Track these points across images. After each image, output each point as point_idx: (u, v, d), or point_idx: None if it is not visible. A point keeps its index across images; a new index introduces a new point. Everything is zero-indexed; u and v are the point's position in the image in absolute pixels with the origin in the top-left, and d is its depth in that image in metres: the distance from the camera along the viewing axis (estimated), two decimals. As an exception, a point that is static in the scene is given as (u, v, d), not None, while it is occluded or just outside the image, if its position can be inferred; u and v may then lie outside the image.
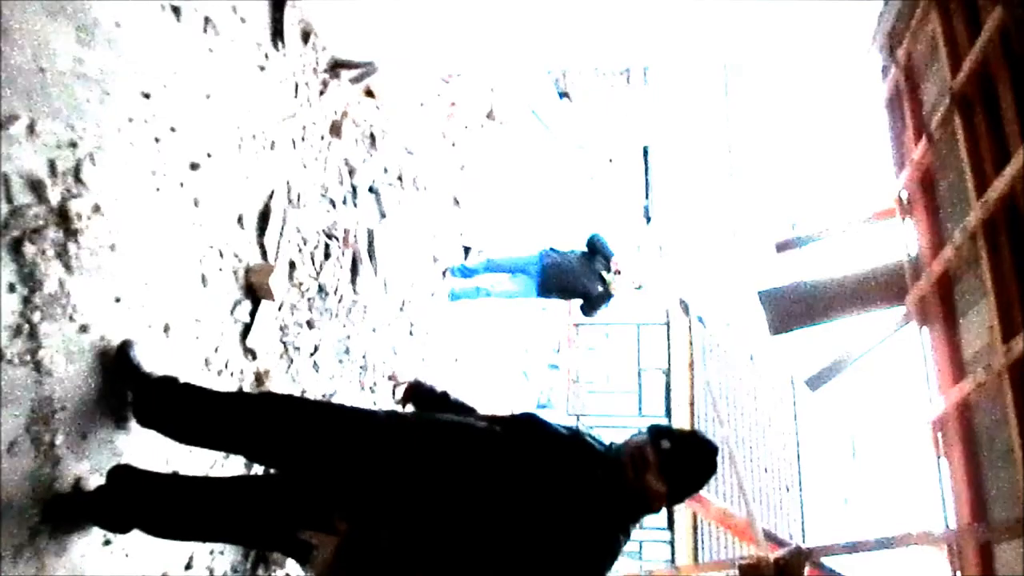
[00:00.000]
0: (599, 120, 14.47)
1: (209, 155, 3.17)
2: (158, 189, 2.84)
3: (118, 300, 2.59)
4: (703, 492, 6.60)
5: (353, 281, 4.77)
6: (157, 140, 2.86)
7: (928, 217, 3.61)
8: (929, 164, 3.58)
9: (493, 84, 8.71)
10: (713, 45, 4.95)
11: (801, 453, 17.02)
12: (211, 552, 3.02)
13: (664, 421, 14.36)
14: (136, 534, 2.47)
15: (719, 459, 2.26)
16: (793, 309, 3.90)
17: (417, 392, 2.68)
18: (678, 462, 2.16)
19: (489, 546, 2.11)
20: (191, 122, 3.07)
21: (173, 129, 2.95)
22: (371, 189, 5.25)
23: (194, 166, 3.07)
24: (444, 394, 2.66)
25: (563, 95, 14.27)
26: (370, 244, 5.14)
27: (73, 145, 2.46)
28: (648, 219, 17.15)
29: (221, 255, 3.23)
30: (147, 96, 2.81)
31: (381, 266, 5.21)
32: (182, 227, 2.98)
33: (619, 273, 6.25)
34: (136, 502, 2.40)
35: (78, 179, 2.46)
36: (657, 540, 15.25)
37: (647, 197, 17.31)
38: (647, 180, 17.46)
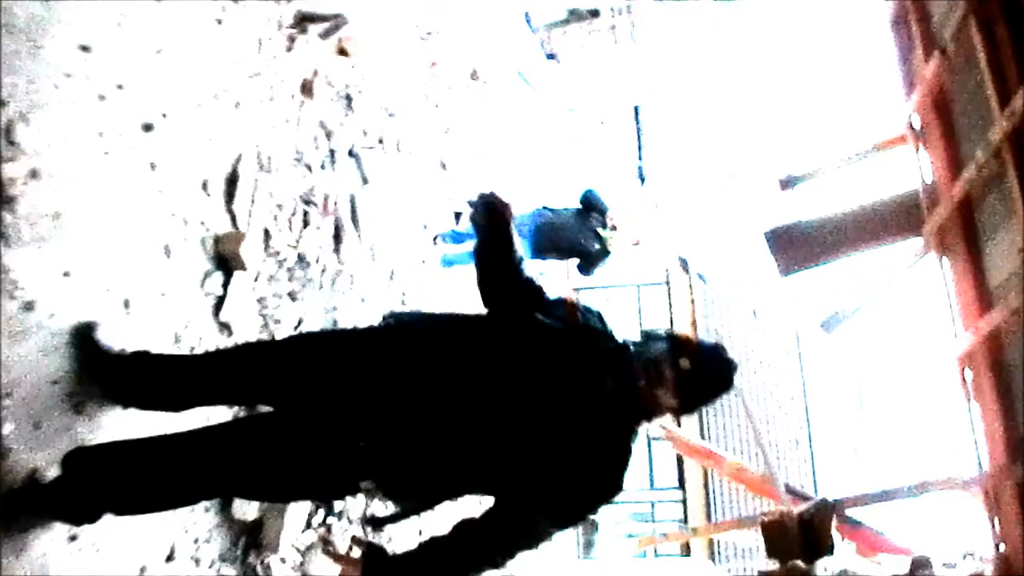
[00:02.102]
0: (588, 81, 14.17)
1: (164, 115, 2.92)
2: (106, 152, 2.59)
3: (67, 274, 2.35)
4: (715, 448, 6.44)
5: (336, 250, 4.53)
6: (102, 98, 2.60)
7: (943, 139, 3.36)
8: (943, 81, 3.33)
9: (475, 43, 8.42)
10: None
11: (808, 405, 16.94)
12: (195, 541, 2.81)
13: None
14: (106, 526, 2.26)
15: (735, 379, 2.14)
16: (803, 248, 3.67)
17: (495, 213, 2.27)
18: (694, 383, 2.05)
19: (495, 458, 2.04)
20: (141, 79, 2.81)
21: (120, 86, 2.70)
22: (351, 153, 5.00)
23: (147, 127, 2.81)
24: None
25: (551, 56, 13.96)
26: (353, 211, 4.90)
27: (1, 104, 2.21)
28: (642, 179, 16.91)
29: (185, 223, 2.99)
30: (86, 49, 2.55)
31: (366, 233, 4.97)
32: (138, 193, 2.74)
33: (615, 229, 6.03)
34: (102, 480, 2.15)
35: (10, 141, 2.22)
36: (668, 500, 15.17)
37: (640, 157, 17.06)
38: (640, 140, 17.21)
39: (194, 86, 3.15)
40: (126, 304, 2.59)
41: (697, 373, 2.03)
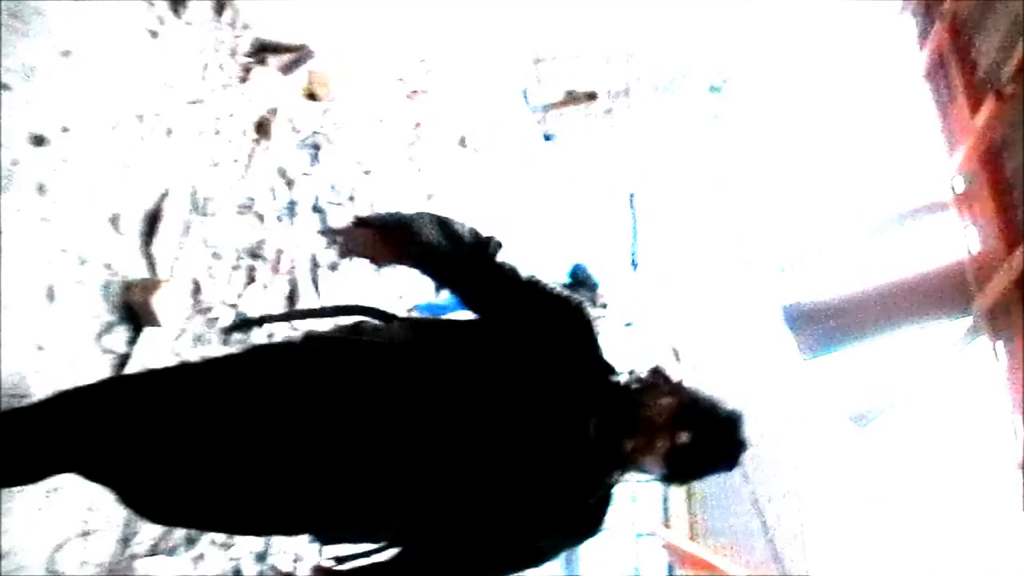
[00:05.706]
0: (583, 163, 13.94)
1: (65, 129, 2.40)
2: (-29, 163, 2.06)
3: None
4: (726, 567, 5.78)
5: (290, 314, 3.97)
6: (-27, 98, 2.09)
7: (996, 201, 2.86)
8: (996, 132, 2.85)
9: (465, 109, 8.05)
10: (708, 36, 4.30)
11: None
12: None
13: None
14: None
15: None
16: (829, 325, 3.14)
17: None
18: (689, 462, 1.69)
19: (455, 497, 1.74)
20: (35, 83, 2.30)
21: (7, 87, 2.19)
22: (315, 208, 4.49)
23: (38, 140, 2.29)
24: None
25: (548, 137, 13.72)
26: (314, 272, 4.36)
27: None
28: (635, 265, 16.64)
29: (82, 262, 2.43)
30: (-45, 34, 2.05)
31: (329, 299, 4.42)
32: (16, 219, 2.19)
33: (605, 307, 5.54)
34: None
35: None
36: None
37: (634, 243, 16.82)
38: (634, 226, 17.00)
39: (111, 102, 2.65)
40: (-22, 355, 2.01)
41: (697, 448, 1.66)
